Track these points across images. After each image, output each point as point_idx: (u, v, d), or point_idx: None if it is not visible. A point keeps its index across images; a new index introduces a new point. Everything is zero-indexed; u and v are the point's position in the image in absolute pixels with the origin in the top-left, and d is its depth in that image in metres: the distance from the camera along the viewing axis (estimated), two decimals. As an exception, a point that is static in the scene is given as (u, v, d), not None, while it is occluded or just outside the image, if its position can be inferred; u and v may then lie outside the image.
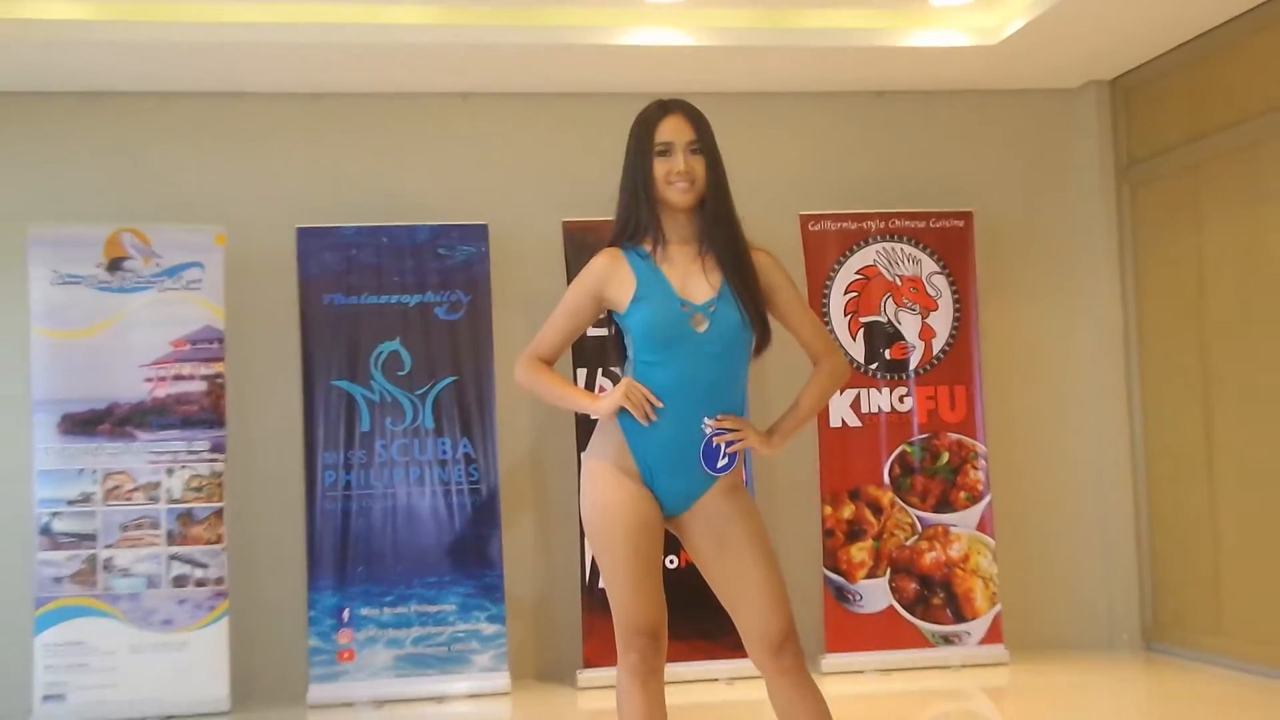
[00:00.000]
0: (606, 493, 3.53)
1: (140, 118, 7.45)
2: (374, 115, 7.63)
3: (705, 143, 3.59)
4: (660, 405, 3.51)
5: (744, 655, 7.20)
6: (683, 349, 3.54)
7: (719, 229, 3.61)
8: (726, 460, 3.60)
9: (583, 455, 3.68)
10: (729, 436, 3.59)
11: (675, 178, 3.54)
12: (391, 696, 6.97)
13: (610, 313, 3.67)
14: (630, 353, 3.62)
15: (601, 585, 6.87)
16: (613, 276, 3.59)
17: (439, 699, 6.98)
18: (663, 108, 3.62)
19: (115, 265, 7.01)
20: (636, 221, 3.60)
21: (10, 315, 7.05)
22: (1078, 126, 8.06)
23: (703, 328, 3.55)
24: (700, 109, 3.68)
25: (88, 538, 6.85)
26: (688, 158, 3.55)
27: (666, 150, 3.55)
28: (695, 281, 3.59)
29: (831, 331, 7.48)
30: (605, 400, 3.54)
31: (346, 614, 7.03)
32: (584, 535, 7.06)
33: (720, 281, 3.58)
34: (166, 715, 6.78)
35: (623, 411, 3.53)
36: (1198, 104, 7.27)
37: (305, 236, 7.22)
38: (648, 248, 3.61)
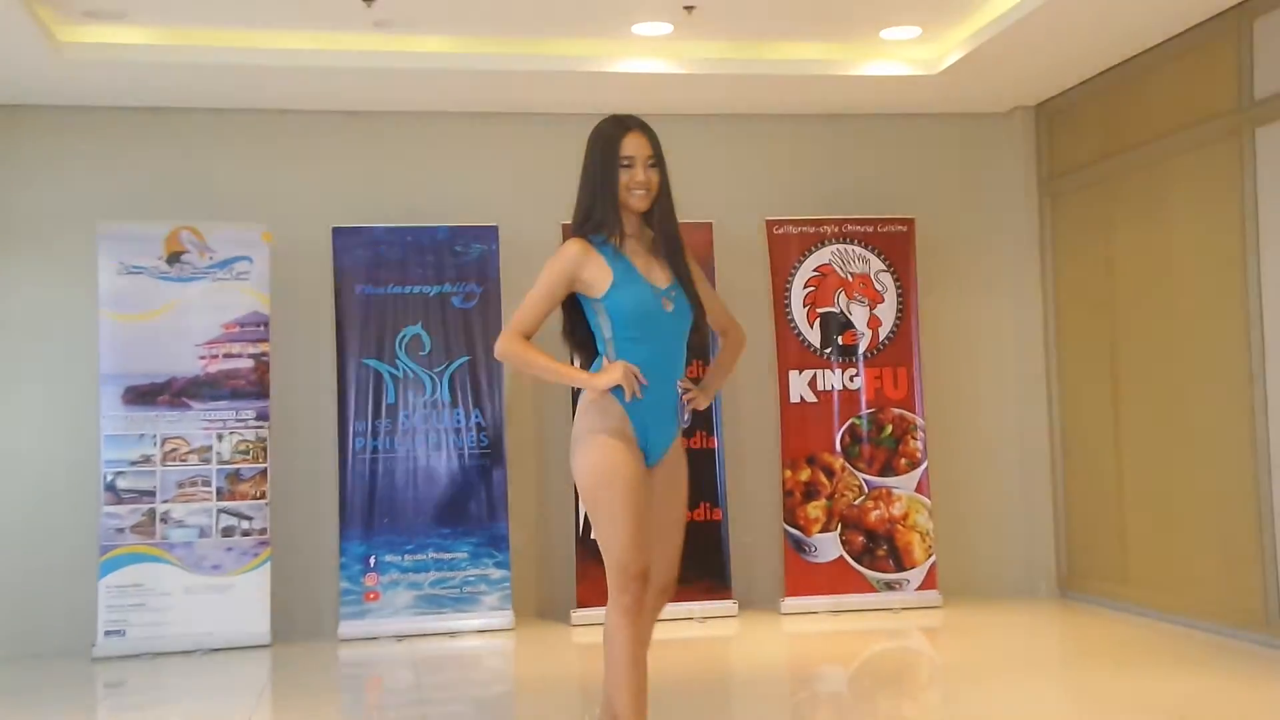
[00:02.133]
0: (613, 455, 3.51)
1: (198, 130, 7.43)
2: (401, 131, 7.61)
3: (659, 157, 3.65)
4: (646, 383, 3.53)
5: (716, 597, 7.25)
6: (657, 327, 3.61)
7: (669, 228, 3.68)
8: (688, 415, 3.73)
9: (576, 426, 3.61)
10: (690, 395, 3.73)
11: (636, 186, 3.60)
12: (411, 632, 6.97)
13: (575, 295, 3.66)
14: (606, 332, 3.61)
15: (593, 537, 6.89)
16: (587, 262, 3.60)
17: (452, 634, 6.98)
18: (623, 125, 3.67)
19: (174, 258, 6.97)
20: (601, 217, 3.62)
21: (82, 300, 7.03)
22: (1006, 145, 8.07)
23: (670, 308, 3.63)
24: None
25: (147, 493, 6.83)
26: (646, 170, 3.61)
27: (630, 163, 3.60)
28: (654, 271, 3.65)
29: (793, 321, 7.50)
30: (603, 378, 3.53)
31: (373, 560, 7.02)
32: (578, 494, 7.05)
33: (670, 271, 3.66)
34: (214, 648, 6.76)
35: (615, 388, 3.54)
36: (1111, 126, 7.28)
37: (340, 234, 7.21)
38: (605, 237, 3.63)
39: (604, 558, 3.52)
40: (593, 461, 3.53)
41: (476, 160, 7.67)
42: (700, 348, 4.13)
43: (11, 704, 5.90)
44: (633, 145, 3.61)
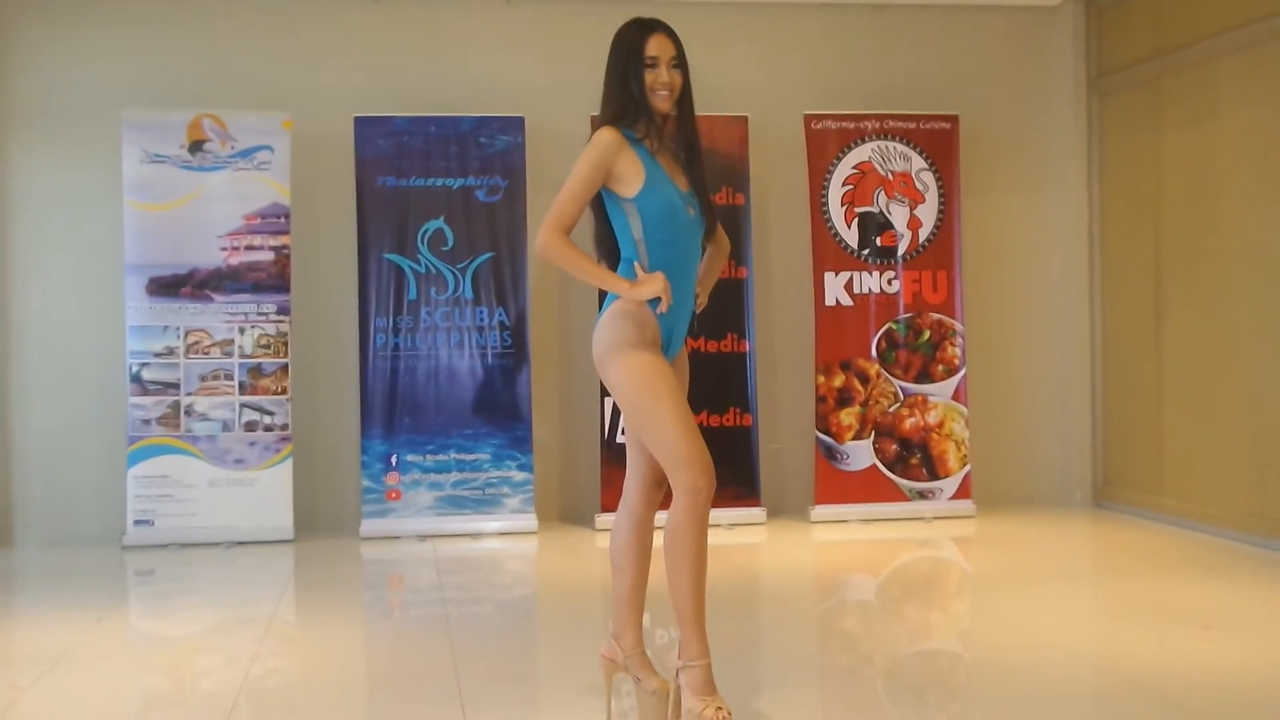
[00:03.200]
0: (654, 367, 3.53)
1: (220, 17, 7.33)
2: (426, 17, 7.48)
3: (682, 59, 3.64)
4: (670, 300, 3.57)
5: (744, 504, 7.29)
6: (683, 230, 3.63)
7: (690, 134, 3.68)
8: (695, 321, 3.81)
9: (607, 333, 3.58)
10: (698, 298, 3.78)
11: (660, 86, 3.59)
12: (433, 532, 7.01)
13: (602, 192, 3.64)
14: (636, 233, 3.60)
15: (620, 439, 6.92)
16: (621, 153, 3.57)
17: (474, 535, 7.02)
18: (647, 26, 3.64)
19: (196, 147, 6.95)
20: (634, 116, 3.61)
21: (106, 189, 7.03)
22: (1055, 41, 7.90)
23: (692, 213, 3.65)
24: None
25: (172, 386, 6.88)
26: (670, 70, 3.60)
27: (654, 63, 3.59)
28: (676, 175, 3.66)
29: (830, 221, 7.42)
30: (645, 288, 3.52)
31: (394, 459, 7.05)
32: (604, 395, 7.07)
33: (688, 178, 3.68)
34: (239, 541, 6.85)
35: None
36: (1161, 24, 7.13)
37: (362, 124, 7.12)
38: (640, 136, 3.61)
39: (664, 462, 3.51)
40: (633, 372, 3.53)
41: (503, 49, 7.54)
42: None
43: (48, 589, 6.11)
44: (656, 46, 3.60)
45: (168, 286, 6.89)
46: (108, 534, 6.97)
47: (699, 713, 3.40)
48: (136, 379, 6.84)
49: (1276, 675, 4.19)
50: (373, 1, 7.43)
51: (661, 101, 3.60)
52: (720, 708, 3.40)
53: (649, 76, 3.59)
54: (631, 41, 3.62)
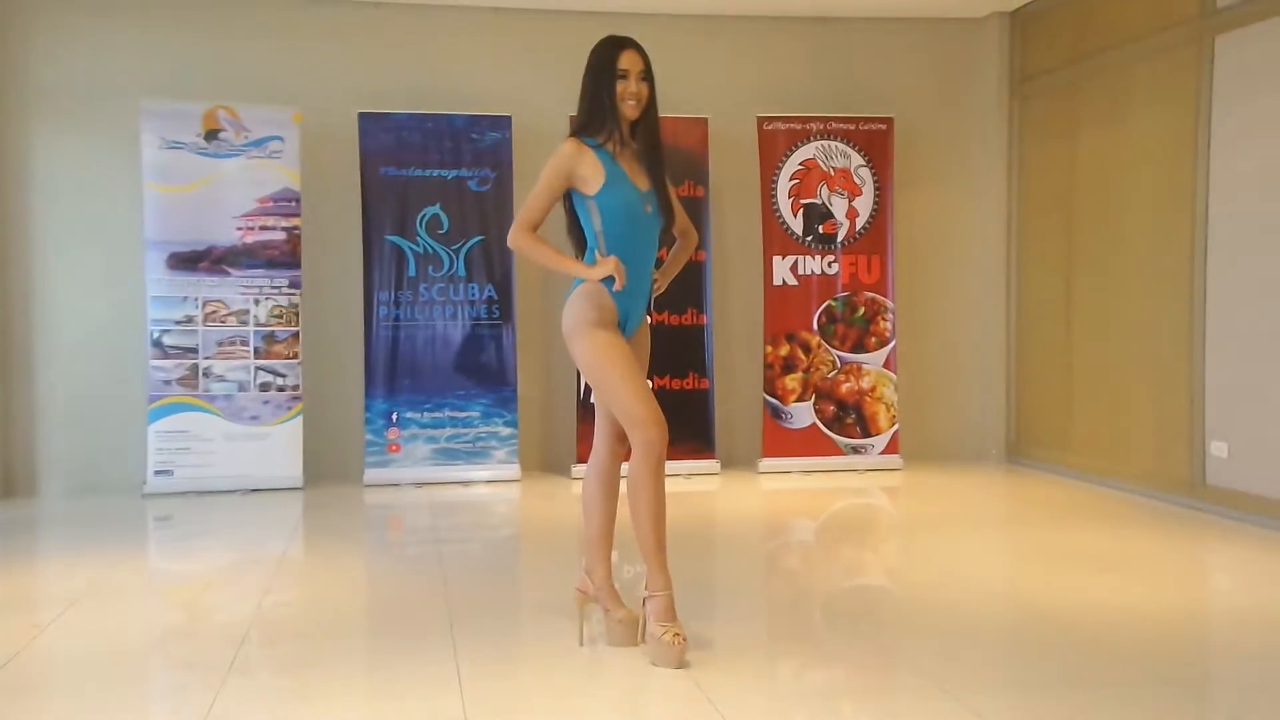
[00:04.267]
0: (607, 340, 3.61)
1: (234, 14, 7.21)
2: (425, 22, 7.38)
3: (649, 72, 3.68)
4: (626, 273, 3.62)
5: (701, 457, 7.28)
6: (639, 225, 3.68)
7: (653, 140, 3.71)
8: (652, 302, 3.89)
9: (570, 311, 3.68)
10: (656, 283, 3.86)
11: (629, 96, 3.64)
12: (428, 480, 6.98)
13: (570, 192, 3.70)
14: (597, 225, 3.66)
15: (592, 400, 6.89)
16: (581, 159, 3.64)
17: (465, 483, 7.00)
18: (619, 44, 3.68)
19: (211, 135, 6.83)
20: (600, 122, 3.66)
21: (127, 173, 6.90)
22: (980, 51, 7.87)
23: (649, 210, 3.69)
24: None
25: (191, 350, 6.79)
26: (639, 83, 3.65)
27: (625, 75, 3.64)
28: (637, 175, 3.69)
29: (778, 210, 7.39)
30: (598, 270, 3.61)
31: (394, 416, 7.00)
32: (579, 370, 7.02)
33: (649, 179, 3.72)
34: (252, 489, 6.79)
35: (606, 278, 3.62)
36: (1080, 33, 7.09)
37: (366, 119, 7.04)
38: (602, 141, 3.66)
39: (623, 421, 3.58)
40: (592, 348, 3.61)
41: (493, 53, 7.46)
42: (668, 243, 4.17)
43: (74, 533, 5.99)
44: (627, 60, 3.65)
45: (186, 261, 6.79)
46: (129, 484, 6.87)
47: (659, 637, 3.48)
48: (158, 344, 6.75)
49: (1165, 612, 4.21)
50: (374, 8, 7.33)
51: (631, 110, 3.65)
52: (678, 634, 3.47)
53: (620, 87, 3.64)
54: (606, 56, 3.67)
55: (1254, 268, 5.70)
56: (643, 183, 3.68)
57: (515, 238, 3.71)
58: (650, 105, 3.70)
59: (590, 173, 3.63)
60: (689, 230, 3.95)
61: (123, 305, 6.98)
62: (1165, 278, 6.28)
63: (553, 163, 3.64)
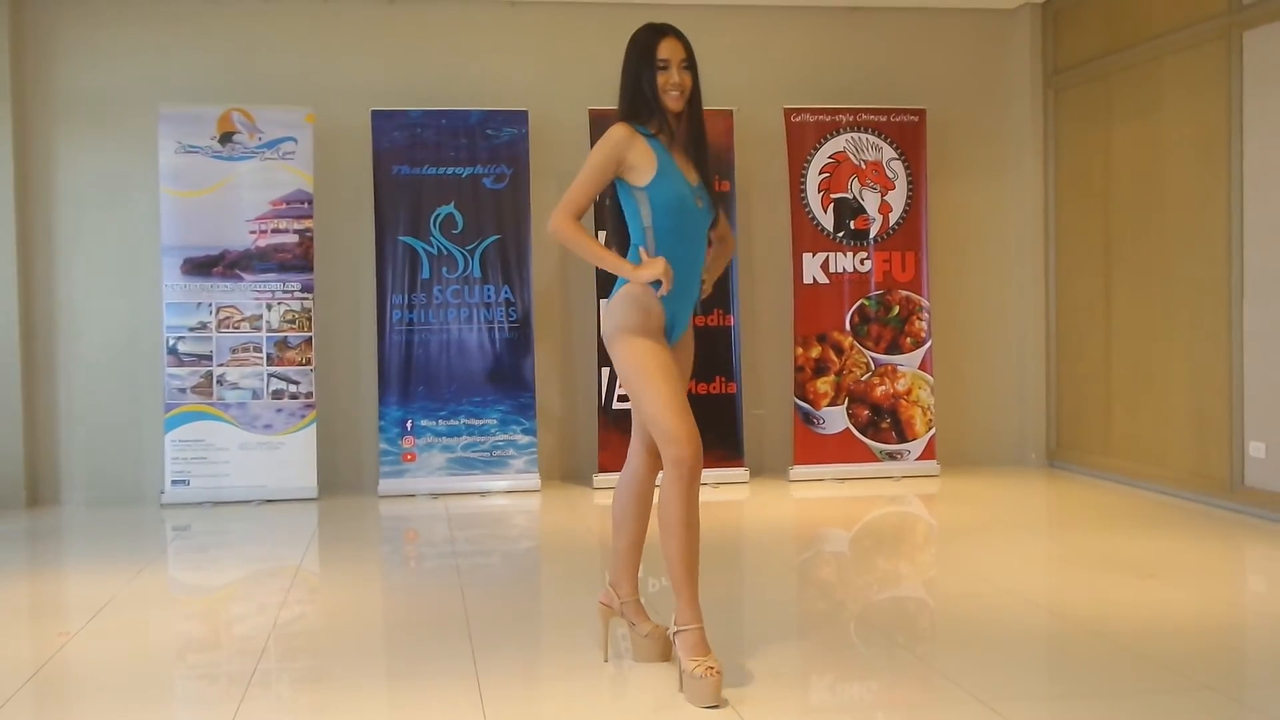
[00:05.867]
0: (654, 351, 3.49)
1: (249, 17, 7.29)
2: (438, 18, 7.44)
3: (691, 61, 3.59)
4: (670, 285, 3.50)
5: (729, 465, 7.30)
6: (690, 220, 3.57)
7: (698, 132, 3.64)
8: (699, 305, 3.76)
9: (615, 316, 3.55)
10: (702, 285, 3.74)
11: (671, 87, 3.54)
12: (444, 490, 7.04)
13: (617, 180, 3.59)
14: (646, 220, 3.54)
15: (618, 407, 6.94)
16: (633, 145, 3.52)
17: (483, 494, 7.04)
18: (659, 31, 3.58)
19: (226, 138, 6.92)
20: (647, 114, 3.57)
21: (144, 177, 7.04)
22: (1013, 41, 7.88)
23: (700, 205, 3.59)
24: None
25: (205, 357, 6.88)
26: (680, 73, 3.55)
27: (665, 65, 3.54)
28: (686, 168, 3.61)
29: (808, 206, 7.41)
30: (646, 272, 3.47)
31: (409, 424, 7.06)
32: (602, 365, 7.08)
33: (696, 172, 3.63)
34: (267, 499, 6.87)
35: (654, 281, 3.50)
36: (1111, 25, 7.12)
37: (379, 117, 7.10)
38: (653, 130, 3.57)
39: (656, 437, 3.47)
40: (631, 355, 3.50)
41: (507, 48, 7.51)
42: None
43: (93, 542, 6.12)
44: (668, 49, 3.54)
45: (201, 266, 6.88)
46: (147, 494, 7.02)
47: (691, 672, 3.38)
48: (173, 351, 6.85)
49: (1209, 619, 4.22)
50: (388, 4, 7.40)
51: (673, 101, 3.55)
52: (711, 667, 3.37)
53: (661, 78, 3.54)
54: (644, 45, 3.57)
55: (1301, 263, 5.71)
56: (692, 177, 3.60)
57: (559, 223, 3.53)
58: (694, 96, 3.60)
59: (642, 161, 3.52)
60: (727, 236, 3.85)
61: (141, 313, 7.11)
62: (1202, 274, 6.31)
63: (603, 147, 3.53)
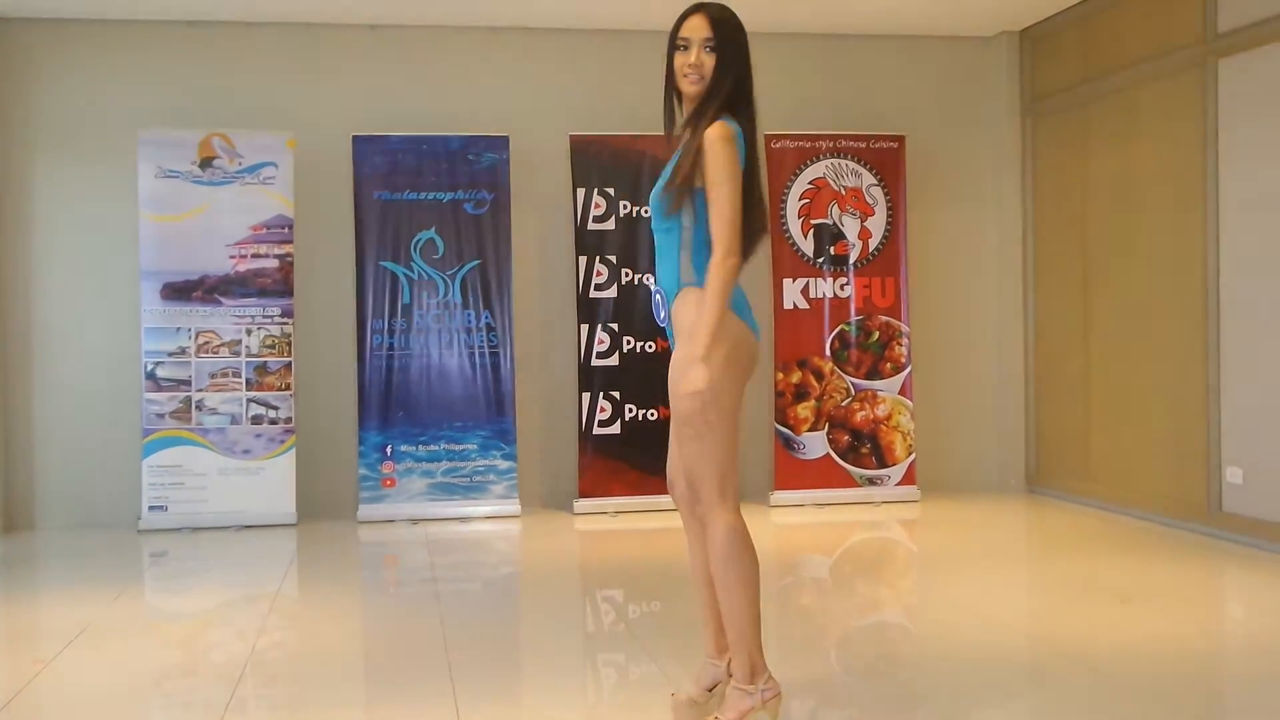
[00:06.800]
0: (739, 393, 3.24)
1: (229, 43, 7.30)
2: (419, 43, 7.47)
3: (721, 41, 3.18)
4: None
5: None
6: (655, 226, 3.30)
7: (698, 119, 3.21)
8: (663, 314, 3.37)
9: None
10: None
11: (687, 70, 3.17)
12: (424, 516, 7.02)
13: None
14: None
15: (599, 432, 6.94)
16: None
17: (463, 519, 7.04)
18: (688, 10, 3.23)
19: (206, 163, 6.93)
20: (667, 96, 3.27)
21: (123, 202, 7.03)
22: (991, 69, 7.96)
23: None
24: (664, 47, 3.26)
25: (184, 382, 6.86)
26: (700, 53, 3.16)
27: (685, 45, 3.18)
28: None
29: (788, 231, 7.44)
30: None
31: (389, 449, 7.06)
32: (582, 390, 7.10)
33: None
34: (245, 524, 6.85)
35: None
36: (1088, 54, 7.19)
37: (359, 142, 7.12)
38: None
39: (708, 488, 3.24)
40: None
41: (489, 74, 7.54)
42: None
43: (70, 567, 6.10)
44: (690, 27, 3.18)
45: (180, 291, 6.88)
46: (124, 519, 6.98)
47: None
48: (151, 376, 6.83)
49: (1187, 643, 4.25)
50: (369, 30, 7.43)
51: (687, 85, 3.19)
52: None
53: (678, 59, 3.19)
54: (674, 25, 3.24)
55: (1267, 290, 5.78)
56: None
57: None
58: (715, 80, 3.17)
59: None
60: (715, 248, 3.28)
61: (119, 337, 7.08)
62: (1179, 300, 6.36)
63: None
